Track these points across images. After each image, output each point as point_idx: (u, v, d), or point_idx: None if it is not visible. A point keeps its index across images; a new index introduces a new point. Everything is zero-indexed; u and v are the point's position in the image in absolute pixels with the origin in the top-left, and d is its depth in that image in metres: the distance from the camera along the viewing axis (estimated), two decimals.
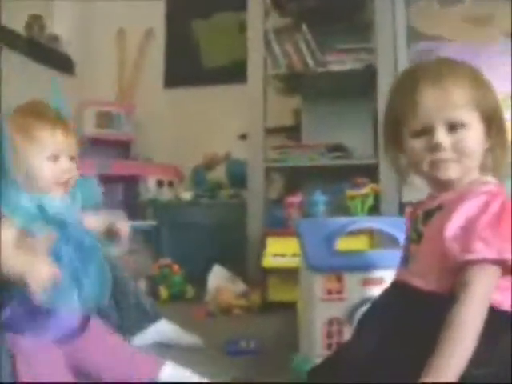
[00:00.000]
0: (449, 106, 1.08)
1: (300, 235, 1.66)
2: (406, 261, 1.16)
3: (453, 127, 1.08)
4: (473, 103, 1.08)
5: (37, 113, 1.36)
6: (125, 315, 1.90)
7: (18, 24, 3.67)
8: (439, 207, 1.10)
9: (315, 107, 3.35)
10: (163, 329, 1.99)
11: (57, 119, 1.35)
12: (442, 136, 1.07)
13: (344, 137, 3.18)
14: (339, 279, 1.55)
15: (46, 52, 3.82)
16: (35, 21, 3.84)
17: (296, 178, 3.33)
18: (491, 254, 1.00)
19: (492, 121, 1.11)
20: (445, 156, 1.08)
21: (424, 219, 1.13)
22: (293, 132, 3.46)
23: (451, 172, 1.09)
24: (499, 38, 2.85)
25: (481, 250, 1.00)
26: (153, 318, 1.99)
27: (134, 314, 1.91)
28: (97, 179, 1.44)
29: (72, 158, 1.35)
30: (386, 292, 1.20)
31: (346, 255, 1.60)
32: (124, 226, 1.44)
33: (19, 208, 1.24)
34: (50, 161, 1.31)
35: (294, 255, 2.35)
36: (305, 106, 3.42)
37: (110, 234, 1.43)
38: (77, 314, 1.32)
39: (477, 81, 1.11)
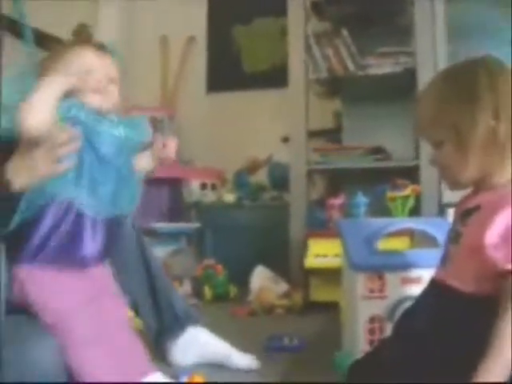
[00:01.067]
0: (421, 126, 1.19)
1: (342, 235, 1.70)
2: (444, 260, 1.19)
3: (434, 145, 1.16)
4: (441, 120, 1.13)
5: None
6: (158, 319, 1.81)
7: (66, 32, 3.80)
8: (477, 207, 1.12)
9: (356, 110, 3.39)
10: (197, 337, 1.80)
11: (94, 45, 1.42)
12: (432, 153, 1.17)
13: (384, 139, 3.21)
14: (380, 278, 1.59)
15: None
16: (82, 30, 3.95)
17: (337, 180, 3.37)
18: None
19: (470, 132, 1.09)
20: (438, 171, 1.19)
21: (462, 219, 1.15)
22: (334, 134, 3.49)
23: (447, 185, 1.19)
24: None
25: None
26: (184, 324, 1.80)
27: (165, 318, 1.80)
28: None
29: (110, 79, 1.39)
30: (425, 291, 1.23)
31: (387, 255, 1.64)
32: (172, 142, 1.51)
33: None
34: (83, 74, 1.35)
35: (336, 256, 2.39)
36: (345, 108, 3.46)
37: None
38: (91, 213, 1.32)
39: (442, 97, 1.15)
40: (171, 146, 1.51)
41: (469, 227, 1.12)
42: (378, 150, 3.08)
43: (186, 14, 4.19)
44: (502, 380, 0.99)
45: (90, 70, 1.37)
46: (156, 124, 3.89)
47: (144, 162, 1.48)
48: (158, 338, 1.81)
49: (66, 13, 3.88)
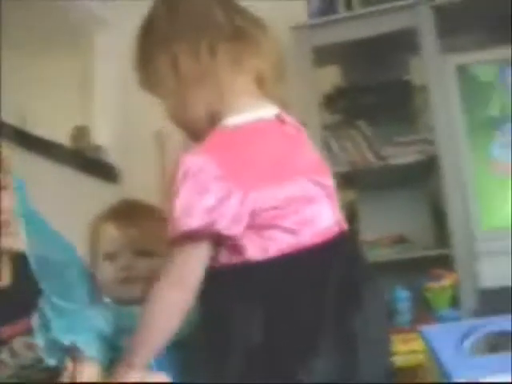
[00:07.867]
0: None
1: (429, 344, 1.53)
2: None
3: None
4: None
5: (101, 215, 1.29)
6: None
7: (61, 136, 3.56)
8: None
9: (372, 199, 3.24)
10: None
11: (116, 214, 1.27)
12: None
13: (402, 227, 3.12)
14: None
15: (90, 162, 3.70)
16: (79, 132, 3.76)
17: None
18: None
19: None
20: None
21: None
22: (349, 225, 3.40)
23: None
24: None
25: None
26: None
27: None
28: None
29: (139, 253, 1.24)
30: None
31: (486, 359, 1.49)
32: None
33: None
34: (105, 260, 1.23)
35: None
36: (361, 198, 3.30)
37: None
38: None
39: None
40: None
41: None
42: (400, 240, 3.01)
43: None
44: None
45: (114, 253, 1.24)
46: None
47: None
48: None
49: (63, 116, 3.71)
